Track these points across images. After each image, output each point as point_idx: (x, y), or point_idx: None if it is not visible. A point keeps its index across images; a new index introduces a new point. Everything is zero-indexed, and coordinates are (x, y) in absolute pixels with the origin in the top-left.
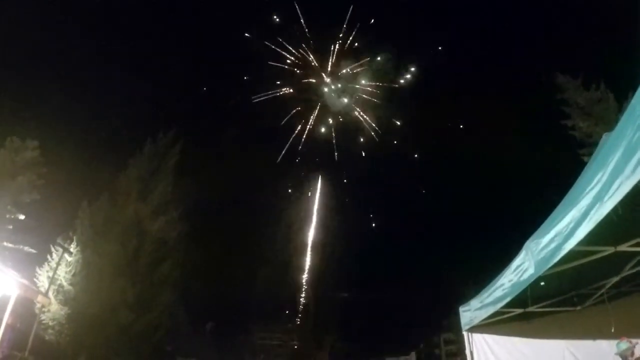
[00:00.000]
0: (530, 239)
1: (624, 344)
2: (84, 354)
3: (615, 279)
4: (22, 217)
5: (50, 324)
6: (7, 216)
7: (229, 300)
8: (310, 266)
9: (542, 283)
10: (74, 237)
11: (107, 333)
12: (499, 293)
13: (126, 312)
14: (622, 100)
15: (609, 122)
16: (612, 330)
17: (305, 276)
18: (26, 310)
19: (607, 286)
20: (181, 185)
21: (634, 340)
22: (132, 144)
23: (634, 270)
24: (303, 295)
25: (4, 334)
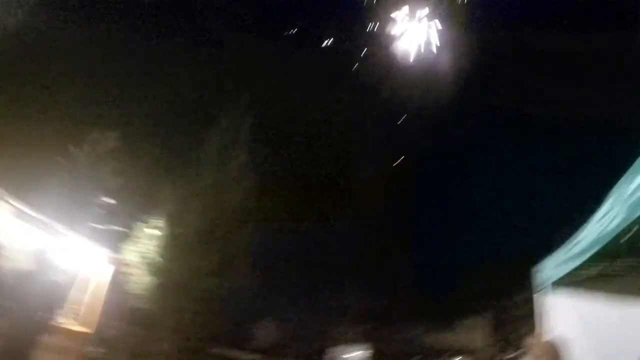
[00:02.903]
0: (617, 185)
1: None
2: (171, 318)
3: None
4: (112, 201)
5: (142, 293)
6: (98, 202)
7: (315, 257)
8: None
9: (634, 230)
10: (160, 213)
11: (193, 298)
12: (580, 247)
13: (210, 277)
14: None
15: None
16: None
17: None
18: (119, 283)
19: None
20: (259, 153)
21: None
22: (207, 118)
23: None
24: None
25: (103, 308)
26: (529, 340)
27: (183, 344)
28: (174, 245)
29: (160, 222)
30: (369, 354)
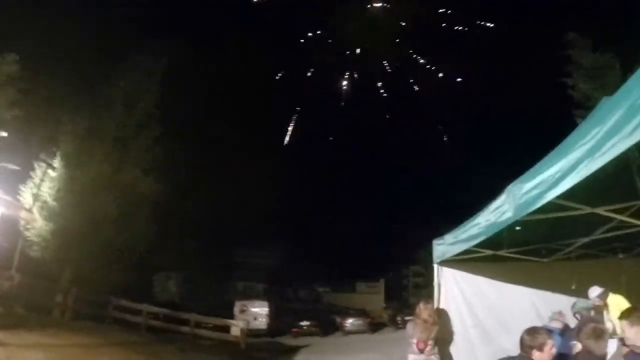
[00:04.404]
0: (514, 182)
1: (582, 302)
2: (68, 268)
3: (585, 240)
4: (3, 134)
5: (35, 240)
6: None
7: (213, 219)
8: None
9: (518, 228)
10: (57, 153)
11: (90, 247)
12: (474, 231)
13: (109, 226)
14: (628, 70)
15: (610, 88)
16: (573, 288)
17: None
18: (11, 228)
19: (577, 245)
20: (167, 101)
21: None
22: (117, 56)
23: (604, 235)
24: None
25: None
26: (419, 306)
27: (82, 295)
28: (71, 189)
29: (58, 163)
30: (270, 308)
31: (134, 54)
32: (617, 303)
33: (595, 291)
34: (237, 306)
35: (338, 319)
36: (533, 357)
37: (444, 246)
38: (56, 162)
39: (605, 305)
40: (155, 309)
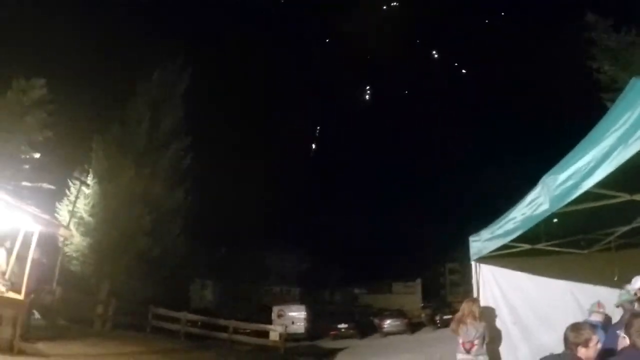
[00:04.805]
0: (548, 174)
1: (625, 294)
2: (106, 281)
3: (625, 229)
4: (37, 155)
5: (74, 255)
6: (23, 156)
7: (242, 225)
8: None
9: (555, 220)
10: (90, 170)
11: (126, 260)
12: (510, 226)
13: (143, 238)
14: None
15: (636, 69)
16: (615, 279)
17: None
18: (50, 245)
19: (616, 234)
20: (193, 112)
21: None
22: (141, 73)
23: None
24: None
25: (31, 270)
26: (463, 305)
27: (122, 306)
28: (105, 204)
29: (91, 180)
30: (308, 312)
31: (159, 68)
32: None
33: (637, 282)
34: (275, 311)
35: (376, 320)
36: (579, 354)
37: (480, 242)
38: (89, 179)
39: None
40: (194, 317)
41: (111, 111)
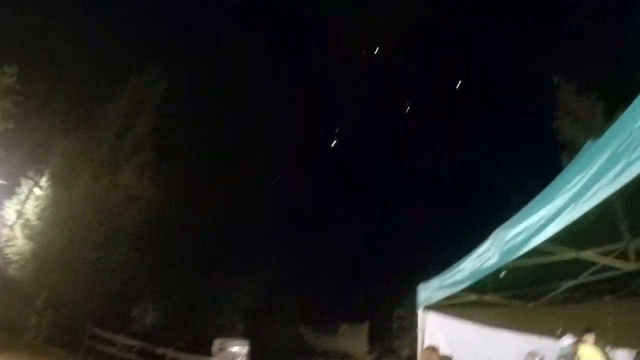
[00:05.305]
0: (499, 228)
1: (567, 348)
2: (46, 290)
3: (570, 284)
4: None
5: (14, 258)
6: None
7: (194, 249)
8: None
9: (504, 273)
10: (46, 171)
11: (70, 271)
12: (458, 277)
13: (91, 250)
14: (610, 111)
15: (594, 130)
16: (558, 332)
17: None
18: None
19: (561, 289)
20: (167, 124)
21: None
22: (116, 79)
23: (590, 279)
24: None
25: None
26: (424, 354)
27: (58, 319)
28: (57, 209)
29: (45, 181)
30: (250, 349)
31: (133, 76)
32: (589, 354)
33: (565, 340)
34: (216, 344)
35: None
36: None
37: (429, 291)
38: (43, 181)
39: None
40: (131, 342)
41: (79, 114)
